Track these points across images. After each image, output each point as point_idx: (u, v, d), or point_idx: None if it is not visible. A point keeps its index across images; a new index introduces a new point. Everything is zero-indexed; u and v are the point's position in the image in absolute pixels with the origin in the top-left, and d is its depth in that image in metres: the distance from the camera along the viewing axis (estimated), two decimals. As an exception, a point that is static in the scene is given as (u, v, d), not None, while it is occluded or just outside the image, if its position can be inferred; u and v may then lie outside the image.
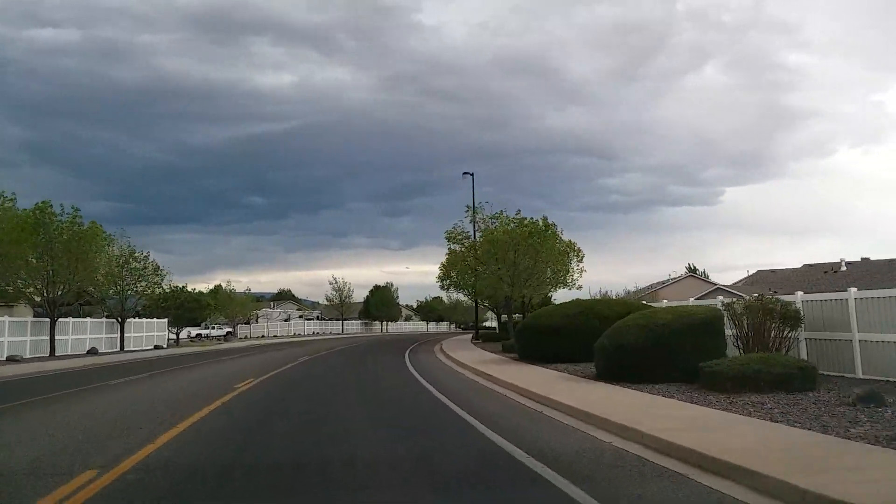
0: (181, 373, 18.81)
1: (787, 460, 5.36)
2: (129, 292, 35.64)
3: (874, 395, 8.46)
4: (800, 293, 13.67)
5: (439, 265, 46.19)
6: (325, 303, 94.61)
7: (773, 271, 44.91)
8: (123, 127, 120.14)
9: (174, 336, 46.10)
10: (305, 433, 7.99)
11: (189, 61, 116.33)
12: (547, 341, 17.96)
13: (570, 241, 32.87)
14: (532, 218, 29.34)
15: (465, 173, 42.40)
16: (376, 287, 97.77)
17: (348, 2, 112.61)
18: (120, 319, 35.73)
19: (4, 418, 9.64)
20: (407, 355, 26.09)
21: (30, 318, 30.89)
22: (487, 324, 76.35)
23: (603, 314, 17.42)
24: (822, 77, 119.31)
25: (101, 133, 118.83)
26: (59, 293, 30.15)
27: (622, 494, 4.96)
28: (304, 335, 75.68)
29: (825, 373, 11.61)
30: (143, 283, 36.26)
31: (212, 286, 67.08)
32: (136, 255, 35.77)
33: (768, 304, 12.53)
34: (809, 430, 6.78)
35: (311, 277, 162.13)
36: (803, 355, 12.74)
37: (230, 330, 67.20)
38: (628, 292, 45.45)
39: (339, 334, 79.58)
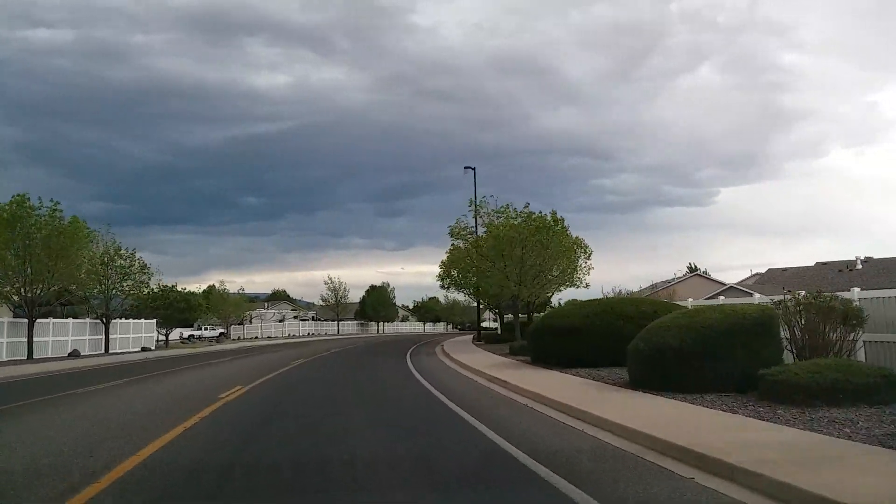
0: (164, 378, 17.16)
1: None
2: (115, 291, 33.89)
3: None
4: (856, 289, 12.13)
5: (440, 263, 44.79)
6: (321, 303, 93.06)
7: (783, 269, 43.49)
8: (118, 128, 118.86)
9: (164, 337, 44.32)
10: (297, 458, 6.39)
11: (184, 62, 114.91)
12: (564, 343, 16.40)
13: (576, 237, 31.39)
14: (540, 212, 27.80)
15: (466, 167, 40.87)
16: (372, 287, 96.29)
17: (344, 2, 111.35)
18: (104, 320, 33.97)
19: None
20: (409, 358, 24.50)
21: (7, 319, 29.11)
22: (485, 325, 74.76)
23: (627, 314, 15.90)
24: (818, 77, 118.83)
25: (95, 134, 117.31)
26: (39, 292, 28.41)
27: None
28: (299, 336, 73.95)
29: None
30: (130, 282, 34.49)
31: (205, 286, 65.58)
32: (122, 252, 34.00)
33: (827, 301, 10.99)
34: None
35: (306, 278, 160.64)
36: (860, 359, 11.24)
37: (223, 331, 65.53)
38: (631, 293, 43.96)
39: (334, 335, 77.90)
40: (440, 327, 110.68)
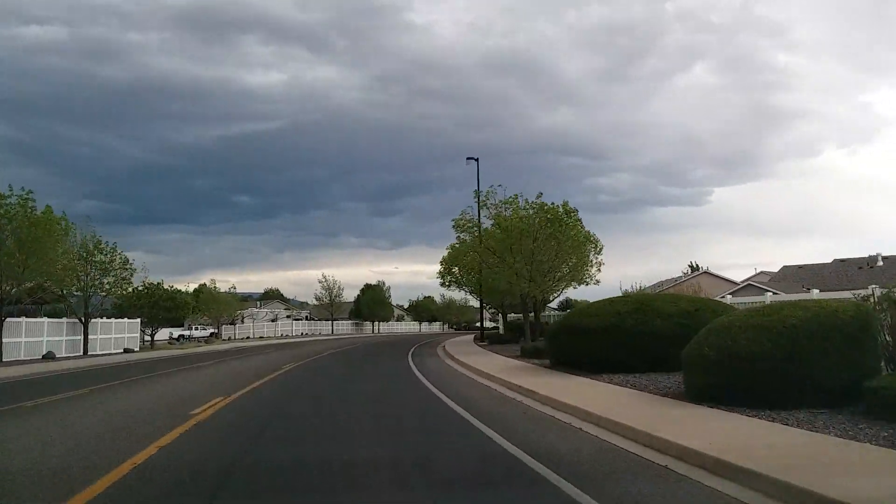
0: (134, 386, 15.07)
1: None
2: (94, 289, 31.65)
3: None
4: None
5: (441, 260, 42.92)
6: (315, 302, 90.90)
7: (798, 266, 41.65)
8: (111, 126, 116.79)
9: (149, 338, 42.08)
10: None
11: (178, 60, 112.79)
12: (590, 345, 14.43)
13: (587, 231, 29.37)
14: (553, 203, 25.77)
15: (469, 158, 38.83)
16: (367, 286, 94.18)
17: (338, 1, 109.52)
18: (83, 319, 31.73)
19: None
20: (412, 362, 22.48)
21: (-26, 318, 26.90)
22: (484, 324, 72.45)
23: (666, 311, 13.95)
24: (812, 78, 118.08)
25: (88, 132, 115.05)
26: (10, 289, 26.20)
27: None
28: (293, 336, 71.75)
29: None
30: (111, 279, 32.26)
31: (197, 285, 63.39)
32: (102, 246, 31.74)
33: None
34: None
35: (299, 277, 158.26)
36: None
37: (214, 331, 63.33)
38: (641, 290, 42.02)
39: (328, 335, 75.73)
40: (436, 327, 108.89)
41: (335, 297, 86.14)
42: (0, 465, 6.22)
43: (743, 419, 7.69)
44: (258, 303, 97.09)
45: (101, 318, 34.78)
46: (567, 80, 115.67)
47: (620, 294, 25.95)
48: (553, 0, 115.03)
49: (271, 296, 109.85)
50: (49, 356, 28.54)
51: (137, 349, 36.76)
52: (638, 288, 32.24)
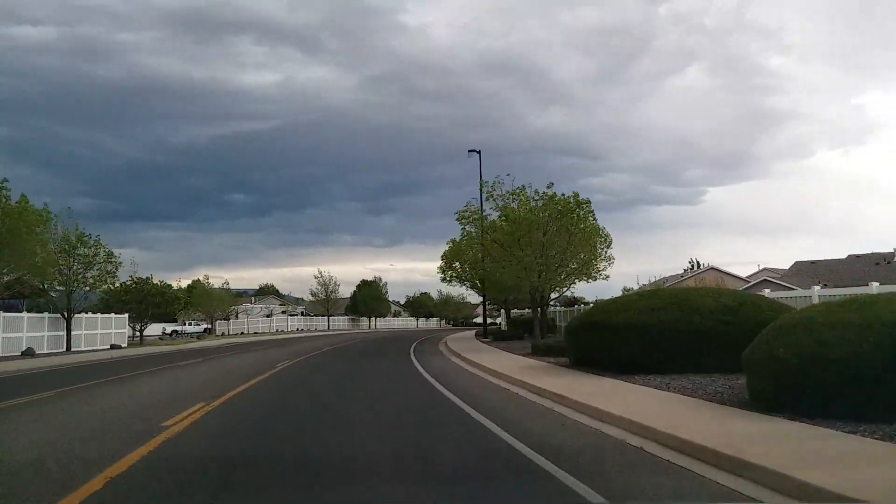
0: (109, 387, 13.51)
1: None
2: (77, 283, 29.99)
3: None
4: None
5: (441, 254, 41.56)
6: (310, 298, 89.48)
7: (812, 262, 40.31)
8: (105, 125, 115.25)
9: (138, 333, 40.43)
10: None
11: (171, 60, 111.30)
12: (618, 344, 12.99)
13: (596, 223, 27.91)
14: (563, 194, 24.29)
15: (471, 150, 37.43)
16: (364, 282, 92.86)
17: (331, 2, 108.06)
18: (65, 314, 30.07)
19: None
20: (416, 360, 20.99)
21: (-53, 313, 25.29)
22: (479, 320, 71.11)
23: (706, 307, 12.48)
24: (805, 80, 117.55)
25: (82, 131, 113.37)
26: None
27: None
28: (288, 331, 70.12)
29: None
30: (95, 272, 30.60)
31: (190, 281, 61.92)
32: (86, 238, 30.05)
33: None
34: None
35: (294, 274, 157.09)
36: None
37: (208, 326, 61.81)
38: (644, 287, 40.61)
39: (325, 331, 74.18)
40: (433, 323, 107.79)
41: (331, 292, 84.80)
42: None
43: (851, 438, 6.19)
44: (253, 298, 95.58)
45: (87, 312, 33.14)
46: (562, 81, 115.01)
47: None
48: (548, 1, 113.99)
49: (266, 291, 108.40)
50: (28, 353, 26.92)
51: (125, 345, 35.13)
52: (651, 283, 30.80)
